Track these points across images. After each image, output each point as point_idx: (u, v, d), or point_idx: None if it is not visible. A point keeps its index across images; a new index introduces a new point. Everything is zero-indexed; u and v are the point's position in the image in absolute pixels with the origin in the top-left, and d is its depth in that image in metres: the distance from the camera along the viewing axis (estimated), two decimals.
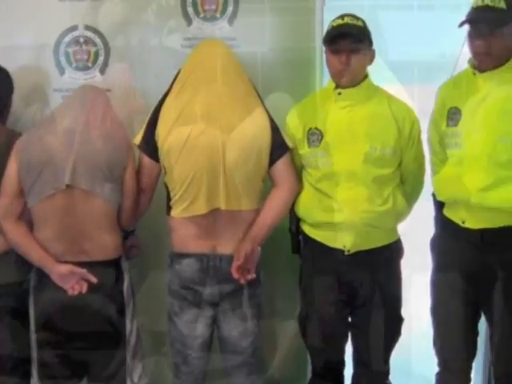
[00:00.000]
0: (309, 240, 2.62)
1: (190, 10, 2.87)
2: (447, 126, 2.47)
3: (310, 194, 2.58)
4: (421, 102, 2.87)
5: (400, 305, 2.63)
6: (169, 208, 2.55)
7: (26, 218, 2.48)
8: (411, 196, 2.63)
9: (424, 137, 2.61)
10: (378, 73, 2.62)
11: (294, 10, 2.90)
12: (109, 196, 2.46)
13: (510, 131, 2.34)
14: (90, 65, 2.92)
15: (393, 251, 2.62)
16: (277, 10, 2.89)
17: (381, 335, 2.59)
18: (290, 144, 2.53)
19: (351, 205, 2.49)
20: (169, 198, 2.54)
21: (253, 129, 2.48)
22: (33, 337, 2.49)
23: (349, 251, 2.53)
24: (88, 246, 2.46)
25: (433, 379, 2.65)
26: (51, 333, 2.46)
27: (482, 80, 2.39)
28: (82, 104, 2.53)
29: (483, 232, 2.41)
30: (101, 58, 2.91)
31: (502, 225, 2.39)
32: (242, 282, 2.46)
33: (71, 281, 2.42)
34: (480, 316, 2.56)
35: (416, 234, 2.85)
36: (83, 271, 2.42)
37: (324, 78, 2.77)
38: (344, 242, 2.52)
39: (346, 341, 2.67)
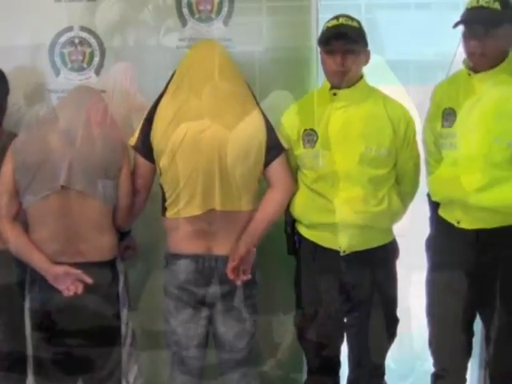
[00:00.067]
0: (304, 241, 2.61)
1: (185, 10, 2.86)
2: (442, 126, 2.47)
3: (305, 194, 2.57)
4: (416, 102, 2.86)
5: (396, 305, 2.63)
6: (164, 209, 2.54)
7: (21, 219, 2.48)
8: (406, 196, 2.62)
9: (419, 137, 2.61)
10: (378, 73, 2.62)
11: (290, 8, 2.90)
12: (104, 197, 2.46)
13: (504, 132, 2.35)
14: (85, 66, 2.91)
15: (388, 252, 2.61)
16: (272, 10, 2.88)
17: (376, 336, 2.60)
18: (285, 145, 2.53)
19: (346, 205, 2.49)
20: (164, 199, 2.54)
21: (248, 129, 2.48)
22: (28, 337, 2.50)
23: (344, 252, 2.53)
24: (83, 247, 2.46)
25: (428, 379, 2.65)
26: (46, 333, 2.46)
27: (476, 81, 2.39)
28: (77, 105, 2.53)
29: (478, 232, 2.41)
30: (96, 59, 2.91)
31: (496, 225, 2.39)
32: (238, 282, 2.46)
33: (66, 282, 2.42)
34: (475, 316, 2.56)
35: (411, 234, 2.85)
36: (78, 272, 2.42)
37: (320, 77, 2.75)
38: (339, 242, 2.52)
39: (342, 341, 2.67)
